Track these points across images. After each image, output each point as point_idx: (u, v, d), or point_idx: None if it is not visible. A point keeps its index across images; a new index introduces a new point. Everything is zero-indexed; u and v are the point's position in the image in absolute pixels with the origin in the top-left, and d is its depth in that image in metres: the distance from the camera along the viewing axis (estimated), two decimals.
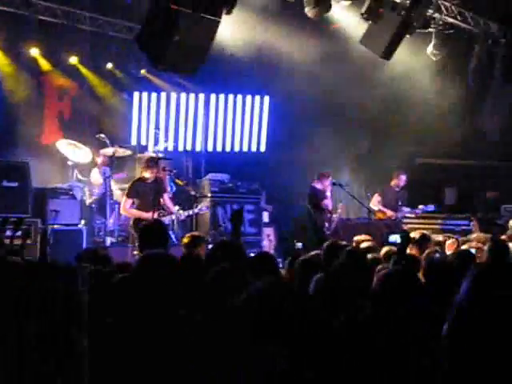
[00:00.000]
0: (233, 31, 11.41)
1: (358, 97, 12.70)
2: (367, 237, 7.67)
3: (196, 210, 10.32)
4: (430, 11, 12.14)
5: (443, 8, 12.38)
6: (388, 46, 11.22)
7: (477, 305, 2.01)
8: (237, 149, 13.93)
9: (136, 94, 13.26)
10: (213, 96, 13.68)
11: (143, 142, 12.89)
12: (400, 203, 12.09)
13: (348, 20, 11.89)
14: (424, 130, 13.46)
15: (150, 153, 11.42)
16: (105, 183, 10.76)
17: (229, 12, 9.70)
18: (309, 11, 10.87)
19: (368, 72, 12.66)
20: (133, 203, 9.44)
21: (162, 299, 2.95)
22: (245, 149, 13.97)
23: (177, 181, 11.36)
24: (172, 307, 2.96)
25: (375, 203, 11.98)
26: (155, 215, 9.15)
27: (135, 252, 8.05)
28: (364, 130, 14.18)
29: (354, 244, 7.28)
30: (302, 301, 2.66)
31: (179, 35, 9.14)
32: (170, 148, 12.89)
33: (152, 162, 9.64)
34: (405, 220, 12.07)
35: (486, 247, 6.20)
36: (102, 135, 11.07)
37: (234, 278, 3.27)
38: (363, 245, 6.86)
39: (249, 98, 13.88)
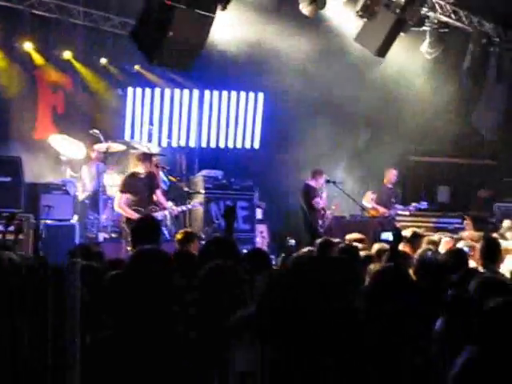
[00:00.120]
0: (227, 27, 11.39)
1: (352, 94, 12.70)
2: (359, 235, 7.69)
3: (189, 206, 10.31)
4: (425, 9, 12.17)
5: (438, 7, 12.40)
6: (383, 43, 11.25)
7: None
8: (231, 145, 13.91)
9: (130, 90, 13.21)
10: (207, 92, 13.66)
11: (137, 138, 12.86)
12: (393, 201, 12.10)
13: (343, 17, 11.89)
14: (418, 127, 13.47)
15: (143, 148, 11.39)
16: (98, 179, 10.73)
17: (224, 8, 9.69)
18: (304, 8, 10.88)
19: (362, 70, 12.67)
20: (128, 199, 9.37)
21: (155, 295, 2.94)
22: (238, 145, 13.96)
23: (170, 177, 11.35)
24: (165, 304, 2.96)
25: (368, 200, 12.00)
26: (148, 211, 9.11)
27: (128, 248, 8.04)
28: (358, 128, 14.19)
29: (346, 242, 7.29)
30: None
31: (174, 31, 9.12)
32: (164, 144, 12.88)
33: (146, 156, 9.61)
34: (398, 218, 12.09)
35: (478, 245, 6.21)
36: (96, 131, 11.03)
37: (227, 275, 3.27)
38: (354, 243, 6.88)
39: (243, 94, 13.86)
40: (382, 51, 11.38)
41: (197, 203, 10.60)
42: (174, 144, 13.33)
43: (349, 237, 7.70)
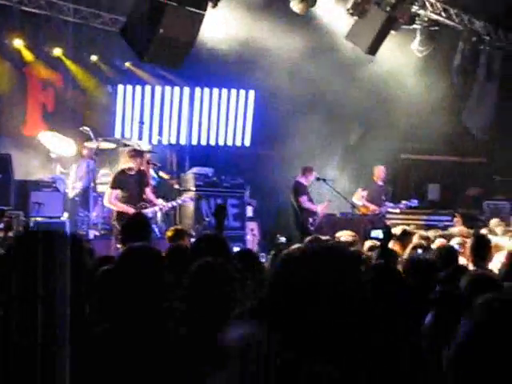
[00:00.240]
0: (218, 25, 11.39)
1: (342, 92, 12.71)
2: (350, 232, 7.70)
3: (179, 202, 10.29)
4: (415, 8, 12.21)
5: (428, 5, 12.44)
6: (373, 41, 11.28)
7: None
8: (221, 143, 13.91)
9: (120, 87, 13.18)
10: (197, 90, 13.64)
11: (127, 135, 12.83)
12: (384, 198, 12.13)
13: (334, 15, 11.91)
14: (408, 125, 13.51)
15: (134, 145, 11.36)
16: (88, 176, 10.71)
17: (214, 5, 9.70)
18: (294, 6, 10.89)
19: (353, 67, 12.68)
20: (118, 195, 9.36)
21: (145, 292, 2.94)
22: (229, 143, 13.95)
23: (161, 174, 11.32)
24: (155, 300, 2.96)
25: (359, 198, 12.01)
26: (138, 208, 9.10)
27: (118, 245, 8.02)
28: (349, 126, 14.21)
29: (336, 239, 7.30)
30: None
31: (164, 28, 9.12)
32: (155, 141, 12.85)
33: (137, 153, 9.59)
34: (388, 215, 12.11)
35: (468, 241, 6.24)
36: (86, 128, 10.99)
37: (217, 272, 3.27)
38: (343, 238, 6.89)
39: (233, 91, 13.85)
40: (373, 49, 11.41)
41: (187, 198, 10.57)
42: (165, 141, 13.31)
43: (339, 234, 7.72)
